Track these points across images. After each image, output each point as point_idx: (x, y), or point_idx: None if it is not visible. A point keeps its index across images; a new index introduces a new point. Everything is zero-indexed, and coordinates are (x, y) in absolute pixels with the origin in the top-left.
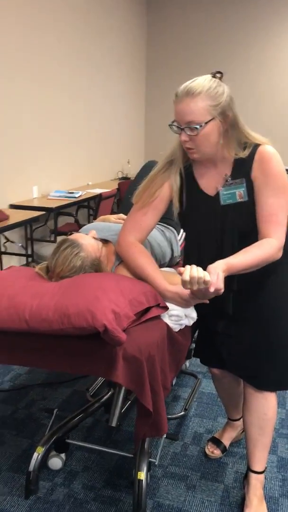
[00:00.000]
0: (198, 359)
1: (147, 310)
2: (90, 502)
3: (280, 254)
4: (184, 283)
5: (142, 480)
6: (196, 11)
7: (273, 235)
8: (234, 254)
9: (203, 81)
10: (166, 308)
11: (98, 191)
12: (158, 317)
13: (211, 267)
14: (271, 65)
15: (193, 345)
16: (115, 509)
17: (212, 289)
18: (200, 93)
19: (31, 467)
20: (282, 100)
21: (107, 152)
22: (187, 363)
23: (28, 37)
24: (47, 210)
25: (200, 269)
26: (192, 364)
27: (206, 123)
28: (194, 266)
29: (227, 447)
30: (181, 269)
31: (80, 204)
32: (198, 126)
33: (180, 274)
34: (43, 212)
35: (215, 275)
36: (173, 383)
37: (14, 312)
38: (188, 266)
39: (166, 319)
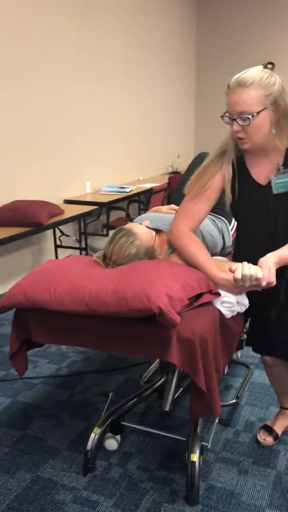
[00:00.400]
0: (250, 350)
1: (199, 296)
2: (145, 482)
3: None
4: (236, 281)
5: (195, 462)
6: (245, 2)
7: None
8: (285, 244)
9: (254, 72)
10: (218, 294)
11: (148, 185)
12: (210, 303)
13: (262, 260)
14: None
15: (245, 336)
16: (169, 489)
17: (264, 283)
18: (252, 83)
19: (88, 446)
20: None
21: (157, 147)
22: (239, 353)
23: (83, 38)
24: (100, 204)
25: (251, 266)
26: (244, 355)
27: (258, 113)
28: (245, 264)
29: (279, 435)
30: (233, 267)
31: (131, 198)
32: (250, 116)
33: (232, 271)
34: (96, 207)
35: (266, 269)
36: (225, 371)
37: (76, 295)
38: (239, 264)
39: (218, 305)
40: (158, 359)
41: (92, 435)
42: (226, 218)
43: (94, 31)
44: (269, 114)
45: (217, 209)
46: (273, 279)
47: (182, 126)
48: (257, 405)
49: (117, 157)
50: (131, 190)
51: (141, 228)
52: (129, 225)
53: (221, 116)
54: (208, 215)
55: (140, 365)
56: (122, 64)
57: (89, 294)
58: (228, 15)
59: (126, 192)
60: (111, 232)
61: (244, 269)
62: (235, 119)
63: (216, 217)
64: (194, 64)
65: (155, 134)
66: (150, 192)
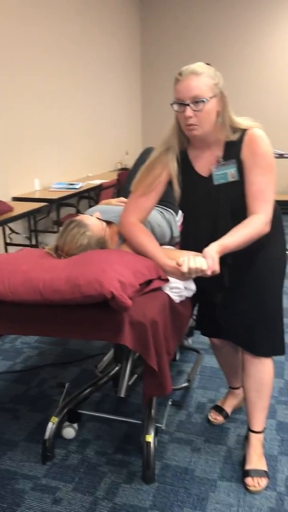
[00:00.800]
0: (200, 336)
1: (149, 282)
2: (103, 465)
3: (268, 229)
4: (183, 274)
5: (150, 442)
6: (190, 3)
7: (260, 211)
8: (227, 233)
9: (202, 64)
10: (167, 280)
11: (98, 182)
12: (159, 289)
13: (206, 251)
14: (264, 56)
15: (194, 323)
16: (126, 471)
17: (209, 273)
18: (203, 72)
19: (46, 435)
20: (275, 89)
21: (106, 144)
22: (190, 340)
23: (27, 34)
24: (49, 201)
25: (196, 259)
26: (194, 341)
27: (210, 98)
28: (191, 257)
29: (229, 414)
30: (179, 261)
31: (81, 195)
32: (204, 100)
33: (179, 266)
34: (46, 204)
35: (210, 259)
36: (177, 357)
37: (29, 285)
38: (185, 258)
39: (167, 291)
40: (112, 350)
41: (50, 424)
42: (173, 210)
43: (39, 27)
44: (217, 103)
45: (164, 201)
46: (217, 267)
47: (130, 123)
48: (207, 388)
49: (66, 154)
50: (80, 187)
51: (92, 220)
52: (80, 217)
53: (171, 104)
54: (156, 207)
55: (94, 356)
56: (69, 61)
57: (43, 283)
58: (173, 9)
59: (76, 188)
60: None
61: (190, 262)
62: (187, 105)
63: (164, 209)
64: (139, 61)
65: (103, 132)
66: (99, 188)
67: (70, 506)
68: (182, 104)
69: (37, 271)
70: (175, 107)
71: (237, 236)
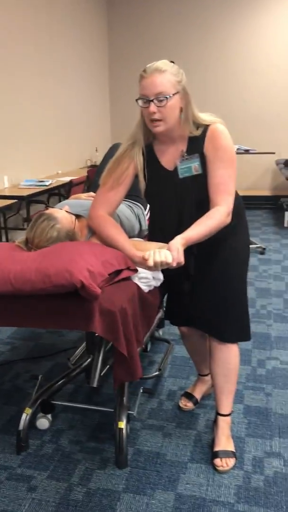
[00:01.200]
0: (171, 328)
1: (118, 273)
2: (77, 453)
3: (229, 220)
4: (150, 267)
5: (122, 429)
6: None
7: (221, 203)
8: (191, 225)
9: (166, 62)
10: (136, 270)
11: (68, 179)
12: (129, 279)
13: (171, 244)
14: (230, 53)
15: (164, 315)
16: (100, 457)
17: (174, 264)
18: (166, 70)
19: (20, 426)
20: (236, 84)
21: (75, 141)
22: (161, 331)
23: None
24: (19, 198)
25: (161, 252)
26: (165, 332)
27: (173, 94)
28: (156, 251)
29: (198, 400)
30: (146, 255)
31: (51, 192)
32: (167, 97)
33: (145, 260)
34: (15, 201)
35: (175, 251)
36: (149, 348)
37: (1, 276)
38: (151, 252)
39: (136, 280)
40: (84, 343)
41: (24, 415)
42: (142, 204)
43: (7, 19)
44: (179, 100)
45: (133, 195)
46: (181, 259)
47: (99, 120)
48: (178, 376)
49: (35, 151)
50: (50, 184)
51: (61, 213)
52: (50, 210)
53: (136, 100)
54: (125, 201)
55: (67, 350)
56: (36, 57)
57: (13, 274)
58: (140, 5)
59: (46, 185)
60: None
61: (155, 256)
62: (151, 101)
63: (133, 203)
64: (107, 58)
65: (73, 129)
66: (69, 185)
67: (45, 493)
68: (147, 100)
69: (8, 263)
70: (140, 102)
71: (200, 228)
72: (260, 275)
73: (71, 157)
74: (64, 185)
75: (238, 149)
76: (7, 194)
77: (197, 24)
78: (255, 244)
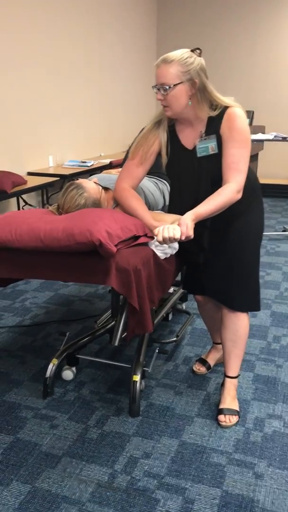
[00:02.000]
0: (194, 302)
1: (137, 240)
2: (95, 402)
3: (239, 196)
4: (160, 242)
5: (136, 381)
6: None
7: (232, 180)
8: (203, 201)
9: (178, 52)
10: (152, 238)
11: (108, 161)
12: (145, 245)
13: (182, 218)
14: (274, 43)
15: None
16: (116, 407)
17: (183, 238)
18: (173, 60)
19: (47, 374)
20: (281, 74)
21: (119, 126)
22: (184, 305)
23: (45, 22)
24: (61, 177)
25: (170, 228)
26: (188, 307)
27: (175, 85)
28: (165, 227)
29: (211, 366)
30: (155, 231)
31: (92, 172)
32: (168, 87)
33: (156, 236)
34: (57, 179)
35: (184, 226)
36: (170, 318)
37: (33, 234)
38: (160, 229)
39: (153, 247)
40: (110, 310)
41: (51, 365)
42: (167, 181)
43: (56, 14)
44: (186, 88)
45: (159, 172)
46: (190, 233)
47: (142, 105)
48: (195, 345)
49: (80, 133)
50: (92, 165)
51: (90, 183)
52: (80, 181)
53: (152, 87)
54: (151, 178)
55: (95, 316)
56: (83, 44)
57: (43, 232)
58: (187, 8)
59: (87, 166)
60: None
61: (164, 232)
62: (159, 89)
63: (158, 179)
64: (155, 44)
65: (116, 113)
66: (109, 166)
67: (65, 430)
68: (156, 88)
69: (40, 223)
70: (154, 89)
71: (210, 204)
72: None
73: (114, 141)
74: (104, 166)
75: (275, 136)
76: (51, 172)
77: (246, 16)
78: None
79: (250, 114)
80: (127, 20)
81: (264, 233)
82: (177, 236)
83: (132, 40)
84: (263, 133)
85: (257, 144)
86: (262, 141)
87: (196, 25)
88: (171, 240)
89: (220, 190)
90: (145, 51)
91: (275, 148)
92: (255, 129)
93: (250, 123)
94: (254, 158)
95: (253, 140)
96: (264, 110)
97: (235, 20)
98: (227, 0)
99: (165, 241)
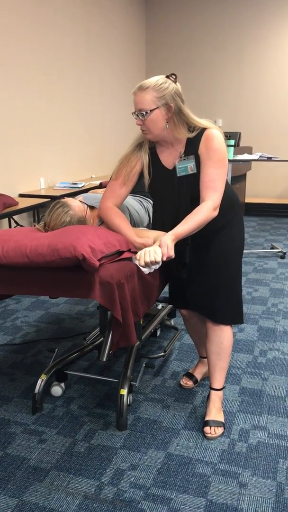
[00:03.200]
0: (181, 319)
1: (120, 255)
2: (84, 417)
3: (215, 213)
4: (142, 266)
5: (123, 395)
6: (191, 13)
7: (208, 198)
8: (185, 217)
9: (153, 79)
10: (136, 252)
11: (98, 182)
12: (129, 259)
13: (161, 240)
14: (265, 58)
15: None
16: (104, 421)
17: (164, 258)
18: (148, 87)
19: (36, 390)
20: (273, 93)
21: (110, 148)
22: (172, 321)
23: (34, 36)
24: (52, 198)
25: (151, 251)
26: (176, 323)
27: (151, 110)
28: (146, 252)
29: (198, 380)
30: (137, 256)
31: (83, 193)
32: (145, 113)
33: (138, 260)
34: (48, 200)
35: (165, 247)
36: (158, 334)
37: (19, 250)
38: (142, 253)
39: (136, 262)
40: (98, 328)
41: (39, 380)
42: (151, 200)
43: (45, 29)
44: (162, 112)
45: (144, 192)
46: (171, 253)
47: (132, 130)
48: (183, 360)
49: (71, 156)
50: (83, 186)
51: (75, 202)
52: (65, 199)
53: (132, 113)
54: (137, 197)
55: (85, 333)
56: (73, 69)
57: (29, 248)
58: (177, 17)
59: (78, 187)
60: None
61: (146, 257)
62: (138, 115)
63: (144, 198)
64: (143, 67)
65: (107, 136)
66: (99, 187)
67: (53, 445)
68: (135, 114)
69: (26, 240)
70: (134, 115)
71: (188, 224)
72: (277, 277)
73: (105, 163)
74: (95, 187)
75: (260, 156)
76: (42, 194)
77: (233, 29)
78: (277, 248)
79: (237, 136)
80: (116, 47)
81: (252, 251)
82: (158, 259)
83: (120, 66)
84: (250, 153)
85: (245, 165)
86: (248, 161)
87: (184, 51)
88: (152, 263)
89: (197, 209)
90: (133, 76)
91: (262, 168)
92: (242, 150)
93: (238, 144)
94: (242, 178)
95: (239, 160)
96: (252, 131)
97: (221, 44)
98: (214, 24)
99: (147, 265)
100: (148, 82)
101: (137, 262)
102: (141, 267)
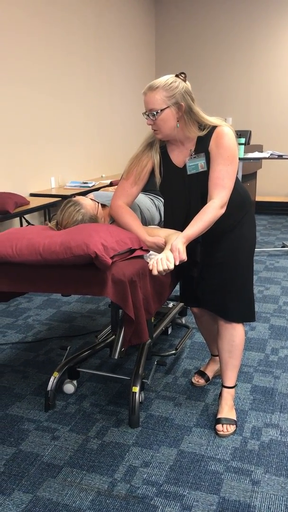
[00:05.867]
0: (193, 317)
1: (132, 253)
2: (96, 414)
3: (223, 211)
4: (155, 275)
5: (135, 392)
6: (200, 11)
7: (215, 196)
8: (196, 214)
9: (163, 78)
10: (148, 251)
11: (109, 181)
12: (141, 257)
13: (172, 245)
14: (274, 57)
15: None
16: (116, 418)
17: (177, 263)
18: (158, 87)
19: (49, 387)
20: (284, 89)
21: (120, 147)
22: (183, 319)
23: (45, 36)
24: (63, 197)
25: (163, 259)
26: (189, 321)
27: (162, 110)
28: (158, 260)
29: (210, 378)
30: (150, 265)
31: (93, 192)
32: (155, 113)
33: (151, 270)
34: (59, 199)
35: (176, 251)
36: (169, 332)
37: (32, 248)
38: (154, 263)
39: (148, 260)
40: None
41: (52, 378)
42: (163, 198)
43: (58, 38)
44: (172, 112)
45: (155, 190)
46: (183, 257)
47: (142, 129)
48: (195, 358)
49: (82, 155)
50: (93, 185)
51: (86, 200)
52: (77, 198)
53: (142, 113)
54: (148, 195)
55: (96, 332)
56: (83, 68)
57: (42, 246)
58: (186, 15)
59: (89, 186)
60: None
61: (158, 266)
62: (148, 115)
63: (155, 196)
64: (153, 66)
65: (117, 135)
66: (110, 185)
67: (66, 442)
68: (146, 114)
69: (39, 238)
70: (144, 116)
71: (198, 225)
72: None
73: (115, 162)
74: (105, 186)
75: (271, 154)
76: (53, 193)
77: (243, 27)
78: None
79: (247, 134)
80: (126, 45)
81: (263, 249)
82: (171, 267)
83: (130, 65)
84: (261, 151)
85: (255, 163)
86: (258, 159)
87: (193, 49)
88: (165, 271)
89: (204, 208)
90: (143, 75)
91: (273, 167)
92: (252, 148)
93: (248, 142)
94: (252, 176)
95: (250, 159)
96: (262, 129)
97: (231, 42)
98: (223, 22)
99: (160, 273)
100: (158, 82)
101: (148, 260)
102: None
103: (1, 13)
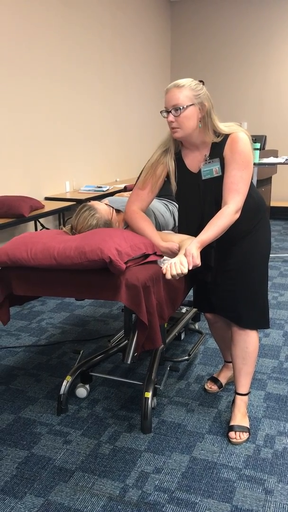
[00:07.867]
0: (206, 323)
1: (146, 258)
2: (108, 419)
3: (237, 216)
4: (168, 278)
5: (148, 398)
6: (215, 14)
7: (230, 201)
8: (210, 220)
9: (188, 79)
10: (162, 256)
11: (123, 185)
12: (155, 263)
13: (187, 249)
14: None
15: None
16: (128, 423)
17: (190, 267)
18: (184, 85)
19: (61, 391)
20: None
21: (135, 151)
22: (196, 325)
23: (65, 47)
24: (78, 201)
25: (177, 264)
26: (201, 327)
27: (187, 106)
28: (172, 265)
29: (223, 384)
30: (164, 270)
31: (107, 196)
32: (181, 108)
33: (164, 274)
34: (74, 203)
35: (190, 256)
36: (182, 337)
37: (47, 252)
38: (168, 267)
39: (162, 265)
40: (123, 330)
41: (65, 382)
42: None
43: (74, 40)
44: (196, 111)
45: (169, 195)
46: (197, 262)
47: (156, 133)
48: (208, 364)
49: (96, 160)
50: (107, 189)
51: (101, 205)
52: (92, 202)
53: (160, 112)
54: (162, 200)
55: (109, 336)
56: (99, 73)
57: (57, 251)
58: (202, 18)
59: (103, 190)
60: None
61: (172, 270)
62: (170, 111)
63: (169, 202)
64: (169, 71)
65: (131, 140)
66: (124, 190)
67: (78, 446)
68: (166, 111)
69: (54, 242)
70: (163, 114)
71: (212, 229)
72: None
73: (129, 166)
74: (119, 191)
75: (286, 159)
76: (67, 197)
77: (260, 30)
78: None
79: (262, 139)
80: (141, 49)
81: (278, 255)
82: (185, 271)
83: (146, 69)
84: (276, 157)
85: (270, 168)
86: (273, 164)
87: (208, 52)
88: (179, 275)
89: (219, 213)
90: (159, 79)
91: None
92: (267, 153)
93: (263, 147)
94: (267, 181)
95: (265, 164)
96: (277, 134)
97: (246, 46)
98: (238, 26)
99: (173, 277)
100: (184, 81)
101: (162, 265)
102: (165, 261)
103: (21, 18)
